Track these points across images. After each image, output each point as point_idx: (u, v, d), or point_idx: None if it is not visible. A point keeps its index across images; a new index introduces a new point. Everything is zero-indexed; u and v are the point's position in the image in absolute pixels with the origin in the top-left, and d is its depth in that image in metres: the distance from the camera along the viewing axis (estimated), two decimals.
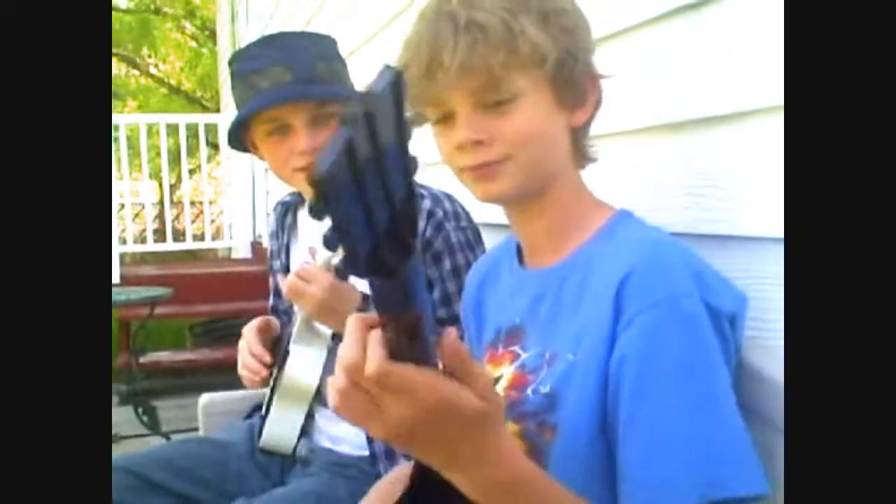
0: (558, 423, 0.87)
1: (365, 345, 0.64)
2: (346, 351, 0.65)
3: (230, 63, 1.52)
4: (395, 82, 0.50)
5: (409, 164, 0.53)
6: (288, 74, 1.40)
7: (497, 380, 0.97)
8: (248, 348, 1.51)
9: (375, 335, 0.64)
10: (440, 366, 0.67)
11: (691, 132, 1.14)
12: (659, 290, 0.82)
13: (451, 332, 0.65)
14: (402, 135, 0.52)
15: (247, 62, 1.46)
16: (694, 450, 0.78)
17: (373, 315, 0.65)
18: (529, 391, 0.91)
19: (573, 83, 0.92)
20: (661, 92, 1.19)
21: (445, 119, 0.92)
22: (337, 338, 1.40)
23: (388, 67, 0.51)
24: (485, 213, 1.53)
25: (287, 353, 1.50)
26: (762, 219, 0.99)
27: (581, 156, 0.98)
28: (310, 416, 1.51)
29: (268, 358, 1.49)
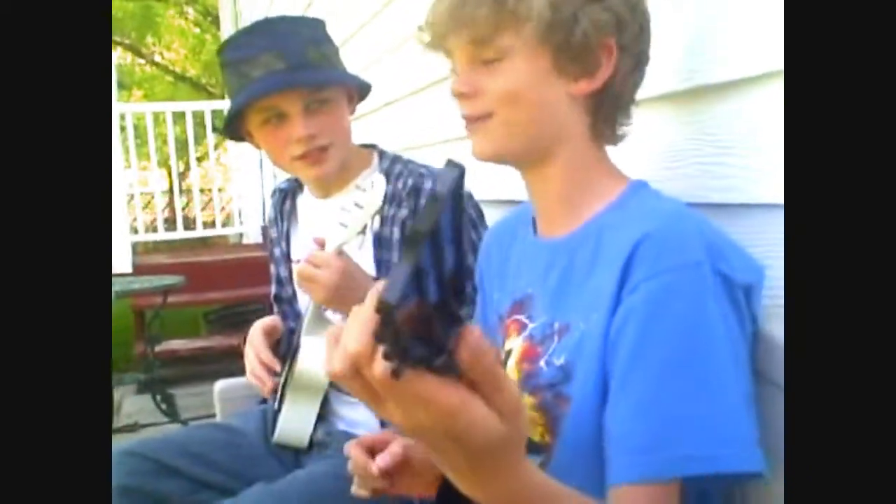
0: (572, 392, 0.87)
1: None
2: (352, 336, 0.53)
3: (219, 52, 1.49)
4: (456, 183, 0.54)
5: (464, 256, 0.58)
6: (280, 62, 1.39)
7: (508, 354, 0.97)
8: (257, 355, 1.48)
9: None
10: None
11: (701, 100, 1.12)
12: (668, 258, 0.81)
13: (474, 332, 0.54)
14: (460, 234, 0.56)
15: (236, 51, 1.44)
16: (679, 421, 0.77)
17: None
18: (542, 363, 0.91)
19: (574, 49, 0.90)
20: (669, 60, 1.17)
21: (454, 72, 0.97)
22: None
23: (450, 163, 0.54)
24: (486, 191, 1.52)
25: (298, 345, 1.48)
26: (775, 186, 0.98)
27: (600, 129, 0.95)
28: (325, 401, 1.50)
29: (277, 366, 1.47)
